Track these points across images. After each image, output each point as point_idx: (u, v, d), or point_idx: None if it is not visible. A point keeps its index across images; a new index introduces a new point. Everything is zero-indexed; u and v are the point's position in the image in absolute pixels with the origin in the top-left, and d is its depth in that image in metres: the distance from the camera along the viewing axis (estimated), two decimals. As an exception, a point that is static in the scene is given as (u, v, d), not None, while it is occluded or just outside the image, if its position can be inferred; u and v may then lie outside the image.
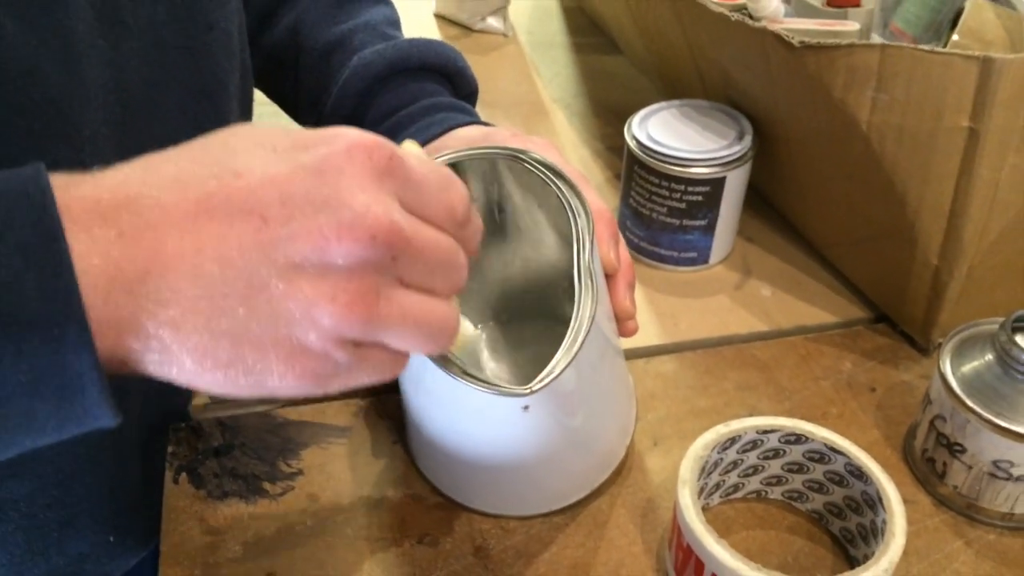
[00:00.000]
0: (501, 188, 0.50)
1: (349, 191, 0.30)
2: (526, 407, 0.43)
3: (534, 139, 0.52)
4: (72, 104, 0.41)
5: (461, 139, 0.53)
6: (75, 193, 0.29)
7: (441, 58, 0.59)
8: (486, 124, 0.57)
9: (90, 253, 0.28)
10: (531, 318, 0.55)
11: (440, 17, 1.06)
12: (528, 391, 0.40)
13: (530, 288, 0.54)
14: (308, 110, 0.62)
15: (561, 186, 0.45)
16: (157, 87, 0.47)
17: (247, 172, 0.30)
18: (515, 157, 0.46)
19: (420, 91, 0.58)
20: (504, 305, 0.56)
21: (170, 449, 0.52)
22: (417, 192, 0.32)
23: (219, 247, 0.29)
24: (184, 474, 0.51)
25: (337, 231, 0.29)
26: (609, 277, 0.49)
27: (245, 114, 0.59)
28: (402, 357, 0.34)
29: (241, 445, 0.53)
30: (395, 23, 0.63)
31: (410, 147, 0.38)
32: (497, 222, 0.51)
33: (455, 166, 0.46)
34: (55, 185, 0.29)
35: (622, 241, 0.50)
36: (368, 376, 0.33)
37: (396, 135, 0.56)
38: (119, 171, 0.30)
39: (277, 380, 0.31)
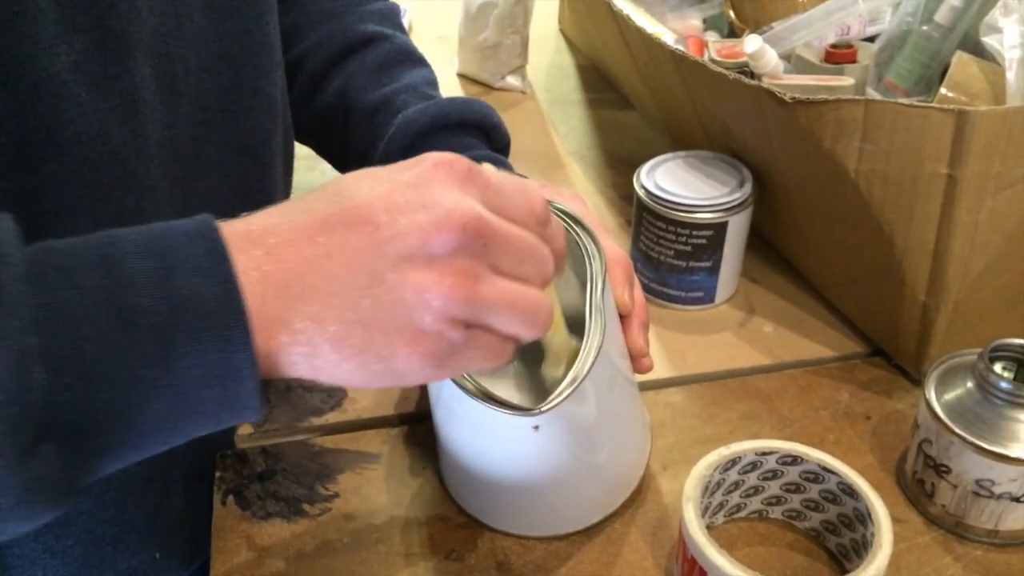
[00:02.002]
0: None
1: (440, 194, 0.36)
2: (536, 427, 0.48)
3: (563, 191, 0.57)
4: (134, 159, 0.47)
5: None
6: (230, 229, 0.36)
7: (478, 115, 0.65)
8: (519, 175, 0.61)
9: (248, 269, 0.35)
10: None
11: (463, 76, 1.12)
12: (537, 412, 0.44)
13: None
14: (356, 165, 0.67)
15: (580, 232, 0.49)
16: (203, 144, 0.53)
17: (357, 195, 0.37)
18: None
19: (459, 145, 0.63)
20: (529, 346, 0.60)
21: (218, 474, 0.57)
22: (497, 195, 0.38)
23: (343, 251, 0.35)
24: (231, 497, 0.56)
25: (435, 225, 0.35)
26: (624, 318, 0.53)
27: (287, 167, 0.65)
28: (509, 342, 0.39)
29: (283, 470, 0.58)
30: (434, 84, 0.69)
31: (488, 167, 0.43)
32: None
33: None
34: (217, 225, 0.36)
35: (637, 285, 0.55)
36: (480, 358, 0.38)
37: None
38: (261, 213, 0.37)
39: (403, 362, 0.36)
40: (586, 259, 0.48)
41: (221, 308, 0.34)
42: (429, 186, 0.37)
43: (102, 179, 0.45)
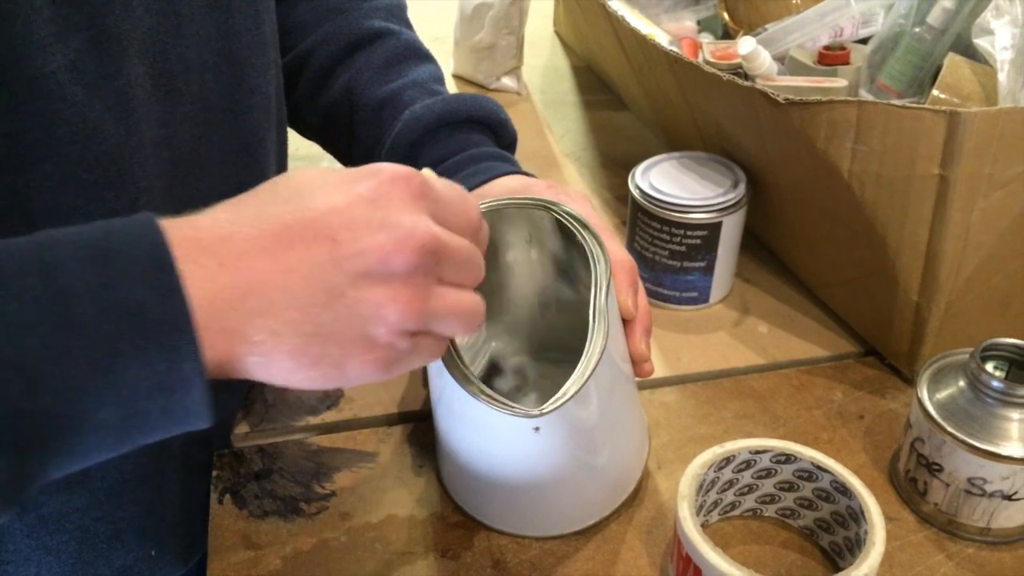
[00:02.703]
0: (538, 234, 0.55)
1: (398, 213, 0.37)
2: (536, 428, 0.48)
3: (570, 191, 0.57)
4: (129, 160, 0.47)
5: (502, 188, 0.59)
6: (178, 234, 0.35)
7: (485, 111, 0.65)
8: (526, 174, 0.62)
9: (198, 279, 0.34)
10: (573, 354, 0.60)
11: (458, 77, 1.13)
12: (538, 413, 0.44)
13: (569, 328, 0.58)
14: (362, 161, 0.66)
15: (585, 235, 0.49)
16: (202, 143, 0.53)
17: (315, 205, 0.37)
18: (547, 208, 0.51)
19: (467, 141, 0.63)
20: (548, 343, 0.60)
21: (215, 473, 0.57)
22: (443, 208, 0.40)
23: (302, 266, 0.36)
24: (228, 495, 0.56)
25: (395, 245, 0.36)
26: (627, 322, 0.53)
27: (281, 166, 0.65)
28: (444, 342, 0.41)
29: (279, 469, 0.58)
30: (440, 80, 0.69)
31: (428, 173, 0.44)
32: (534, 264, 0.56)
33: (496, 213, 0.51)
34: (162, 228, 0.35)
35: (641, 290, 0.55)
36: (421, 360, 0.40)
37: None
38: (208, 215, 0.37)
39: (356, 370, 0.37)
40: (591, 263, 0.48)
41: (167, 319, 0.33)
42: (387, 203, 0.37)
43: (96, 179, 0.45)
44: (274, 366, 0.36)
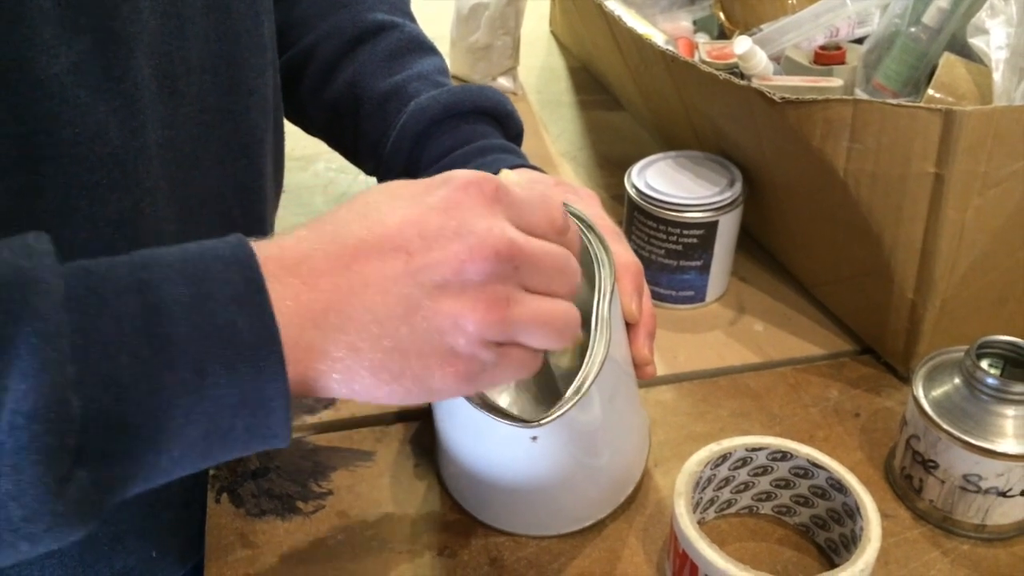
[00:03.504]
0: None
1: (471, 220, 0.37)
2: (534, 438, 0.48)
3: (579, 190, 0.57)
4: (134, 161, 0.47)
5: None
6: (265, 254, 0.36)
7: (491, 102, 0.64)
8: (532, 167, 0.61)
9: (283, 298, 0.35)
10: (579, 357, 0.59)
11: (454, 77, 1.13)
12: (536, 424, 0.44)
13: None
14: (368, 154, 0.67)
15: (591, 238, 0.49)
16: (201, 144, 0.53)
17: (388, 220, 0.37)
18: None
19: (473, 133, 0.63)
20: None
21: (212, 472, 0.57)
22: (521, 211, 0.39)
23: (379, 281, 0.36)
24: (225, 494, 0.56)
25: (469, 254, 0.36)
26: (630, 326, 0.53)
27: (277, 168, 0.65)
28: (538, 355, 0.40)
29: (276, 468, 0.58)
30: (445, 72, 0.69)
31: (507, 175, 0.43)
32: None
33: None
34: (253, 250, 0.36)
35: (647, 293, 0.54)
36: (511, 373, 0.39)
37: None
38: (291, 236, 0.38)
39: (439, 382, 0.37)
40: (595, 267, 0.48)
41: (256, 339, 0.34)
42: (459, 211, 0.37)
43: (100, 180, 0.45)
44: (356, 382, 0.36)
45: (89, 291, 0.33)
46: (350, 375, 0.36)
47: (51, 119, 0.42)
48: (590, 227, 0.49)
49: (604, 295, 0.47)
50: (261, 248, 0.36)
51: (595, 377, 0.45)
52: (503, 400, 0.54)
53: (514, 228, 0.38)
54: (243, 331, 0.34)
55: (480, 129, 0.64)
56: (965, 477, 0.52)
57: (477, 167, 0.60)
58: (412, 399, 0.38)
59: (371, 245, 0.36)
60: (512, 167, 0.60)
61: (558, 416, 0.44)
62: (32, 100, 0.41)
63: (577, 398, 0.44)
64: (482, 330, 0.36)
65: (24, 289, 0.32)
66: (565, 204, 0.50)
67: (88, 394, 0.32)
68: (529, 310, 0.38)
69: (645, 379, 0.54)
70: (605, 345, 0.45)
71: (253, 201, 0.59)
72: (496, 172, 0.59)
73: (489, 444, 0.51)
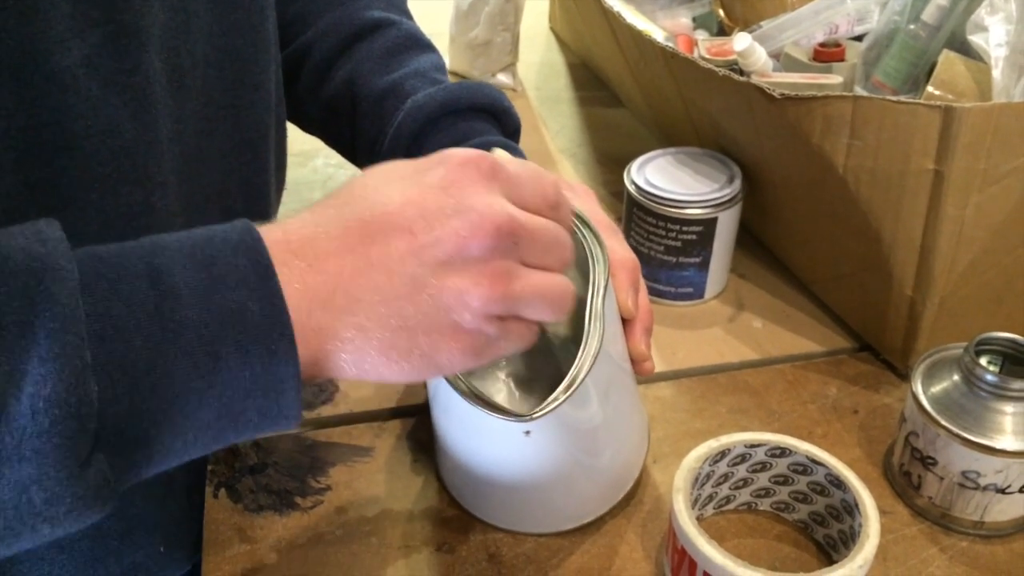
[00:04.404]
0: None
1: (470, 197, 0.38)
2: (527, 432, 0.48)
3: (575, 186, 0.57)
4: (144, 155, 0.47)
5: None
6: (272, 238, 0.36)
7: (488, 98, 0.64)
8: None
9: (291, 281, 0.35)
10: (565, 352, 0.58)
11: (453, 74, 1.13)
12: (528, 418, 0.44)
13: (564, 327, 0.57)
14: (365, 152, 0.67)
15: (585, 234, 0.48)
16: (207, 139, 0.53)
17: (389, 200, 0.38)
18: None
19: (470, 130, 0.63)
20: (541, 341, 0.59)
21: (210, 468, 0.57)
22: (516, 187, 0.40)
23: (384, 261, 0.37)
24: (223, 490, 0.56)
25: (471, 230, 0.37)
26: (627, 322, 0.53)
27: (280, 162, 0.65)
28: (534, 327, 0.41)
29: (274, 464, 0.58)
30: (442, 69, 0.69)
31: (501, 153, 0.44)
32: None
33: None
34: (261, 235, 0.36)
35: (643, 289, 0.54)
36: (513, 344, 0.40)
37: None
38: (296, 220, 0.38)
39: (446, 357, 0.38)
40: (590, 263, 0.48)
41: (267, 322, 0.34)
42: (459, 188, 0.38)
43: (111, 173, 0.45)
44: (366, 362, 0.37)
45: (102, 277, 0.33)
46: (360, 355, 0.37)
47: (64, 112, 0.42)
48: (585, 222, 0.49)
49: (598, 290, 0.47)
50: (267, 232, 0.36)
51: (588, 371, 0.44)
52: (500, 398, 0.54)
53: (510, 204, 0.38)
54: (254, 314, 0.34)
55: (477, 126, 0.64)
56: (964, 474, 0.52)
57: None
58: (420, 376, 0.38)
59: (374, 226, 0.37)
60: None
61: (550, 410, 0.44)
62: (45, 93, 0.41)
63: (570, 392, 0.44)
64: (487, 305, 0.37)
65: (41, 275, 0.32)
66: None
67: (104, 378, 0.32)
68: (529, 284, 0.39)
69: (643, 375, 0.54)
70: (598, 339, 0.45)
71: (257, 196, 0.59)
72: None
73: (484, 439, 0.51)
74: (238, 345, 0.34)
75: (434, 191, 0.38)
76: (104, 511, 0.35)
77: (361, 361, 0.37)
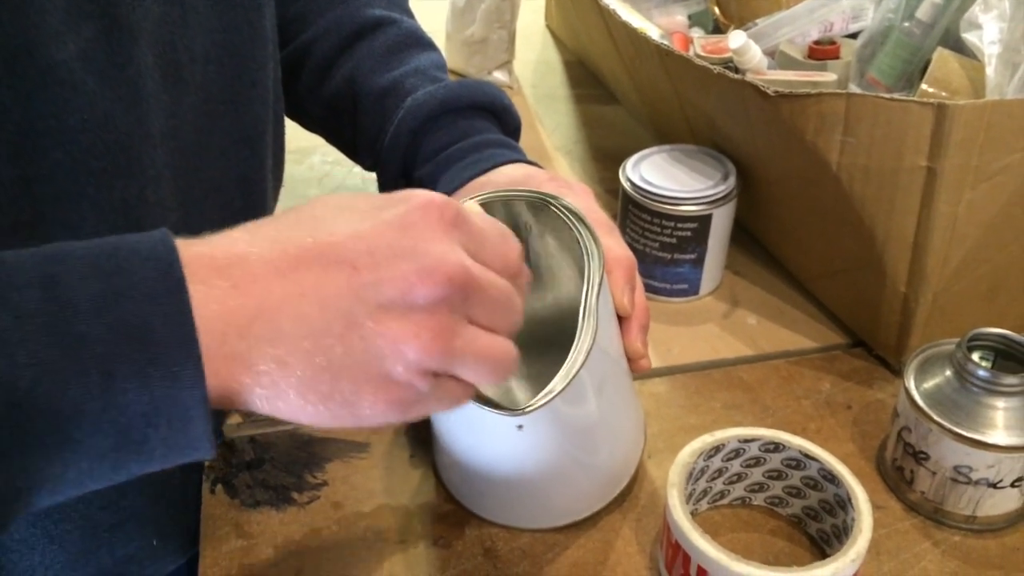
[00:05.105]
0: (535, 228, 0.54)
1: (426, 242, 0.35)
2: (520, 427, 0.48)
3: (573, 184, 0.57)
4: (138, 149, 0.47)
5: (504, 176, 0.58)
6: (193, 252, 0.33)
7: (488, 97, 0.64)
8: (530, 162, 0.61)
9: (208, 301, 0.32)
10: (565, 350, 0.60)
11: (450, 71, 1.12)
12: (520, 412, 0.44)
13: (563, 324, 0.58)
14: (366, 150, 0.67)
15: (581, 231, 0.49)
16: (205, 135, 0.53)
17: (336, 230, 0.35)
18: (545, 201, 0.50)
19: (470, 128, 0.63)
20: (541, 338, 0.60)
21: (207, 463, 0.58)
22: (479, 243, 0.37)
23: (317, 292, 0.34)
24: (220, 485, 0.56)
25: (419, 276, 0.34)
26: (623, 319, 0.53)
27: (277, 161, 0.65)
28: (469, 388, 0.38)
29: (271, 459, 0.58)
30: (443, 67, 0.69)
31: (471, 206, 0.42)
32: (530, 260, 0.56)
33: (493, 204, 0.50)
34: (176, 246, 0.33)
35: (639, 287, 0.54)
36: (442, 404, 0.37)
37: (448, 169, 0.61)
38: (227, 236, 0.35)
39: (369, 409, 0.35)
40: (585, 260, 0.48)
41: (171, 341, 0.31)
42: (415, 231, 0.35)
43: (106, 167, 0.45)
44: (280, 400, 0.34)
45: None
46: (275, 391, 0.34)
47: (59, 105, 0.42)
48: (580, 219, 0.49)
49: (592, 286, 0.47)
50: (189, 246, 0.34)
51: (581, 366, 0.45)
52: (498, 392, 0.54)
53: (468, 257, 0.36)
54: (157, 332, 0.31)
55: (477, 124, 0.64)
56: (956, 468, 0.52)
57: (474, 162, 0.60)
58: (337, 423, 0.35)
59: (314, 254, 0.34)
60: (509, 162, 0.60)
61: (543, 404, 0.44)
62: (40, 86, 0.41)
63: (563, 386, 0.44)
64: (423, 359, 0.34)
65: None
66: (557, 198, 0.50)
67: None
68: (472, 344, 0.36)
69: (639, 372, 0.55)
70: (592, 335, 0.45)
71: (254, 192, 0.59)
72: (494, 167, 0.59)
73: (479, 435, 0.51)
74: (137, 366, 0.31)
75: (389, 229, 0.35)
76: None
77: (275, 398, 0.34)
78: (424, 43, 0.70)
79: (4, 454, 0.30)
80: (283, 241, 0.35)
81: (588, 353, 0.45)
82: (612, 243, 0.52)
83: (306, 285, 0.34)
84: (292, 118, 0.73)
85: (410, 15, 0.72)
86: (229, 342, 0.33)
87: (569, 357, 0.45)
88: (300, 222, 0.36)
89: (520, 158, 0.61)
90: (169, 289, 0.32)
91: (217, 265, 0.33)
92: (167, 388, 0.32)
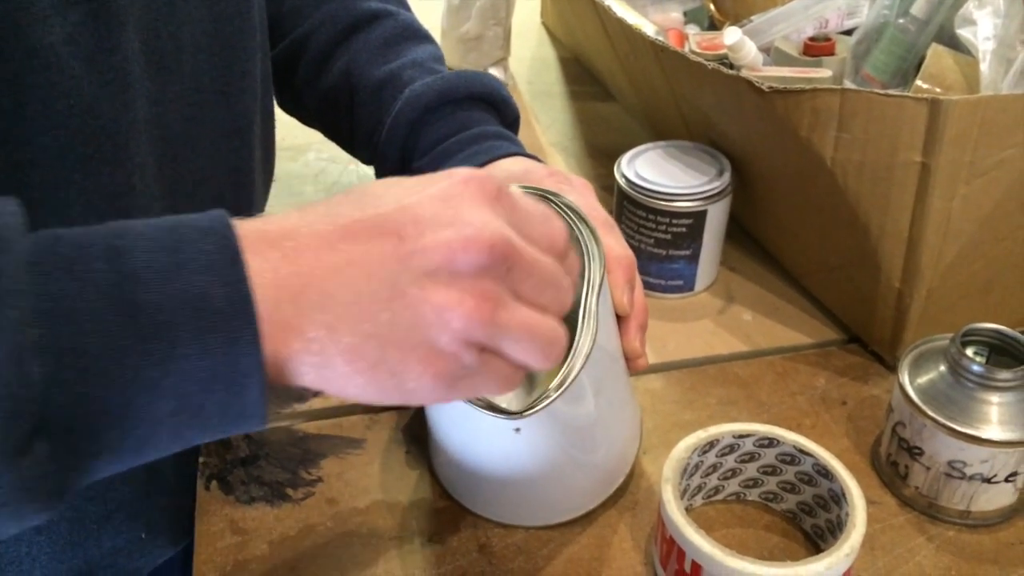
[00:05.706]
0: None
1: (469, 212, 0.36)
2: (517, 429, 0.48)
3: (573, 179, 0.56)
4: (124, 136, 0.47)
5: (503, 172, 0.58)
6: (248, 227, 0.35)
7: (487, 88, 0.64)
8: (529, 156, 0.61)
9: (262, 270, 0.34)
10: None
11: (445, 68, 1.13)
12: (518, 415, 0.44)
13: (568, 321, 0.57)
14: (364, 142, 0.67)
15: (581, 229, 0.48)
16: (194, 124, 0.53)
17: (383, 204, 0.36)
18: (544, 198, 0.49)
19: (468, 119, 0.62)
20: None
21: (201, 459, 0.58)
22: (523, 220, 0.38)
23: (364, 261, 0.35)
24: (215, 482, 0.56)
25: (463, 243, 0.35)
26: (622, 319, 0.53)
27: (267, 155, 0.65)
28: (519, 370, 0.38)
29: (266, 456, 0.58)
30: (440, 59, 0.68)
31: (515, 188, 0.42)
32: None
33: None
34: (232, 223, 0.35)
35: (639, 286, 0.54)
36: (491, 383, 0.37)
37: (447, 161, 0.61)
38: (280, 214, 0.37)
39: (415, 380, 0.35)
40: (585, 259, 0.47)
41: (230, 308, 0.33)
42: (459, 201, 0.36)
43: (92, 154, 0.45)
44: (328, 368, 0.35)
45: (56, 255, 0.32)
46: (324, 359, 0.34)
47: (45, 90, 0.42)
48: (581, 218, 0.49)
49: (592, 287, 0.46)
50: (244, 223, 0.35)
51: (580, 370, 0.44)
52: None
53: (511, 229, 0.36)
54: (217, 300, 0.32)
55: (476, 116, 0.63)
56: (950, 463, 0.52)
57: (473, 154, 0.60)
58: (384, 397, 0.36)
59: (362, 226, 0.35)
60: (508, 155, 0.60)
61: (541, 408, 0.44)
62: (28, 70, 0.41)
63: (561, 391, 0.44)
64: (467, 327, 0.35)
65: None
66: (556, 195, 0.49)
67: (50, 359, 0.31)
68: (517, 316, 0.36)
69: (637, 371, 0.54)
70: (591, 337, 0.45)
71: (244, 185, 0.59)
72: (492, 160, 0.59)
73: (476, 435, 0.51)
74: (197, 332, 0.32)
75: (433, 200, 0.36)
76: (48, 510, 0.33)
77: (323, 367, 0.35)
78: (421, 35, 0.69)
79: (69, 423, 0.31)
80: (333, 215, 0.36)
81: (587, 357, 0.44)
82: (612, 242, 0.52)
83: (354, 254, 0.35)
84: (290, 113, 0.73)
85: (407, 7, 0.72)
86: (282, 308, 0.34)
87: (568, 359, 0.45)
88: (350, 199, 0.37)
89: (519, 151, 0.61)
90: (227, 260, 0.33)
91: (270, 238, 0.35)
92: (226, 353, 0.33)
